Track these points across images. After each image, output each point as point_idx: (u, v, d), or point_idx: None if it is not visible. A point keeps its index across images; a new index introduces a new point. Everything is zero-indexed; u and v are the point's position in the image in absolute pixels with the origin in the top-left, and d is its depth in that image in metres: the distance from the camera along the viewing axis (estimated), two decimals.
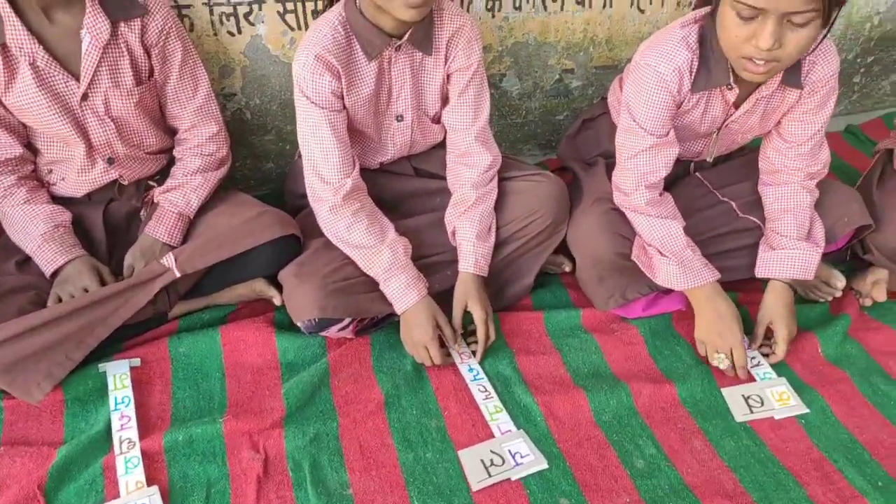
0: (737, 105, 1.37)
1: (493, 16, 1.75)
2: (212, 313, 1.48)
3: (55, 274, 1.32)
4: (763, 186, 1.51)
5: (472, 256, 1.42)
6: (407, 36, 1.30)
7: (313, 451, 1.22)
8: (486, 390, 1.35)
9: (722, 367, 1.38)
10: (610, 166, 1.56)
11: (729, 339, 1.36)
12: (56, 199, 1.39)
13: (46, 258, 1.31)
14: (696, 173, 1.62)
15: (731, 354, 1.37)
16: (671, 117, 1.35)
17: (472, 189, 1.43)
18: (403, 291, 1.35)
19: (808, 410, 1.34)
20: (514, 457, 1.22)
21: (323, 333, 1.40)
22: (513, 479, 1.19)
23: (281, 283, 1.39)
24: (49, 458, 1.17)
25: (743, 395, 1.36)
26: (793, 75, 1.32)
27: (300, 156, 1.56)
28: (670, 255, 1.37)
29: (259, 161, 1.85)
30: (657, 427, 1.31)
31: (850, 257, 1.67)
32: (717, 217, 1.55)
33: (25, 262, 1.36)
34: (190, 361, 1.38)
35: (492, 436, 1.27)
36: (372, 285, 1.38)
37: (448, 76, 1.41)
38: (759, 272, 1.47)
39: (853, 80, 2.33)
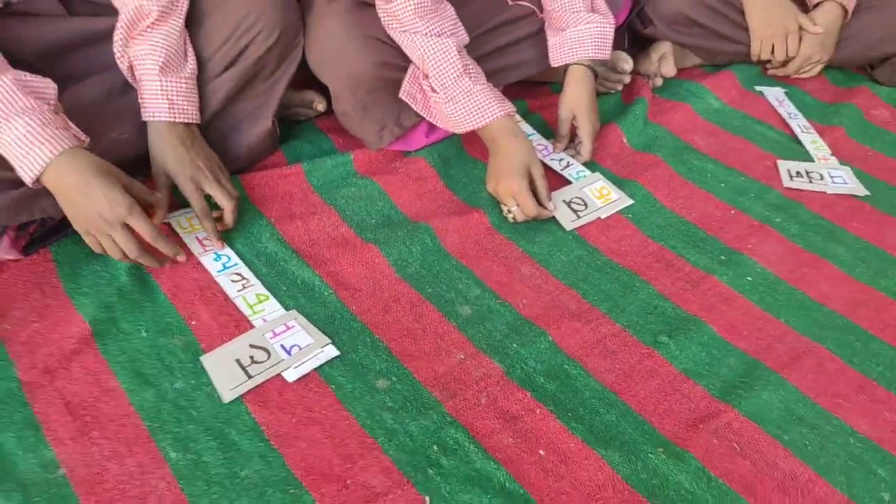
0: None
1: None
2: None
3: None
4: None
5: (161, 97, 0.96)
6: None
7: None
8: (242, 278, 0.96)
9: (509, 220, 1.10)
10: None
11: (509, 186, 1.06)
12: None
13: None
14: None
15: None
16: None
17: None
18: (38, 139, 0.80)
19: (632, 202, 1.15)
20: (288, 350, 0.87)
21: None
22: (291, 378, 0.84)
23: None
24: None
25: (564, 201, 1.13)
26: None
27: None
28: (442, 91, 1.06)
29: None
30: (476, 264, 1.03)
31: (628, 44, 1.50)
32: (486, 10, 1.25)
33: None
34: None
35: None
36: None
37: None
38: (555, 60, 1.22)
39: None
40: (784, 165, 1.24)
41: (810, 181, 1.21)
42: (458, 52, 1.06)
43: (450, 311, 0.95)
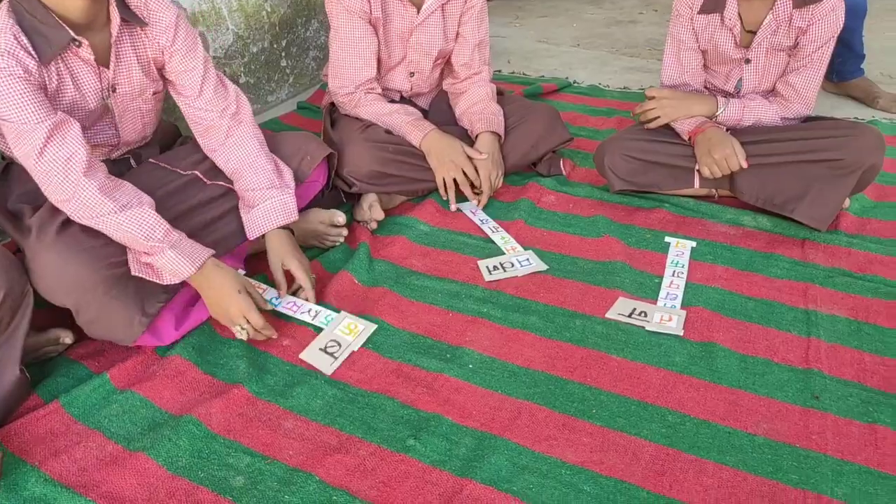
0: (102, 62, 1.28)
1: None
2: None
3: None
4: (212, 152, 1.45)
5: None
6: None
7: None
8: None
9: (243, 337, 1.28)
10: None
11: (234, 310, 1.26)
12: None
13: None
14: (151, 160, 1.47)
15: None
16: (43, 100, 1.17)
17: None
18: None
19: (376, 326, 1.35)
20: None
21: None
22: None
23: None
24: None
25: (320, 349, 1.29)
26: None
27: None
28: (160, 244, 1.21)
29: None
30: (242, 434, 1.14)
31: (346, 198, 1.76)
32: (185, 190, 1.42)
33: None
34: None
35: None
36: None
37: None
38: (251, 233, 1.41)
39: (281, 64, 2.50)
40: (483, 264, 1.52)
41: (504, 271, 1.49)
42: (155, 213, 1.23)
43: (223, 488, 1.05)
